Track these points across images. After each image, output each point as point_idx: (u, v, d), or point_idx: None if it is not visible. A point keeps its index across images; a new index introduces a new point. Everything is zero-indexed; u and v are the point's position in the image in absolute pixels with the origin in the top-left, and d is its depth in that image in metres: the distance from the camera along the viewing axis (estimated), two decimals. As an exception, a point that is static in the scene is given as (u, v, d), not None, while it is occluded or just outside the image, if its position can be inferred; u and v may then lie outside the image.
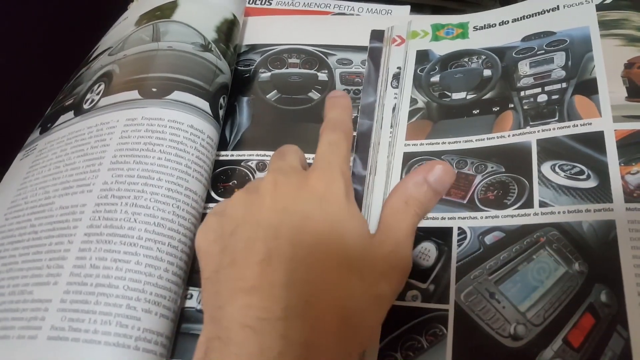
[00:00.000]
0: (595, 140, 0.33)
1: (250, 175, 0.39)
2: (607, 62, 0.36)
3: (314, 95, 0.43)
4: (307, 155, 0.39)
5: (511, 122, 0.36)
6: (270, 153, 0.40)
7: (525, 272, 0.30)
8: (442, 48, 0.42)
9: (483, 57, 0.41)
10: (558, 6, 0.40)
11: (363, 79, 0.43)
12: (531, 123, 0.35)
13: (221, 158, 0.40)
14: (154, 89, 0.37)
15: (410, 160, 0.37)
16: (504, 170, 0.34)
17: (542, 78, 0.37)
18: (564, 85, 0.36)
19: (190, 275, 0.34)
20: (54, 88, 0.45)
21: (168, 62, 0.38)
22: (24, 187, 0.36)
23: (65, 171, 0.35)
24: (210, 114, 0.37)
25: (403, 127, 0.39)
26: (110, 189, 0.33)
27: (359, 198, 0.37)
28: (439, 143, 0.37)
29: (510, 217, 0.32)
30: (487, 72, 0.40)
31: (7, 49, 0.46)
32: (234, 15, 0.43)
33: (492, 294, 0.30)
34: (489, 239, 0.32)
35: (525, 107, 0.36)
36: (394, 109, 0.40)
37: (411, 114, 0.39)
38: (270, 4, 0.50)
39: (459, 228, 0.33)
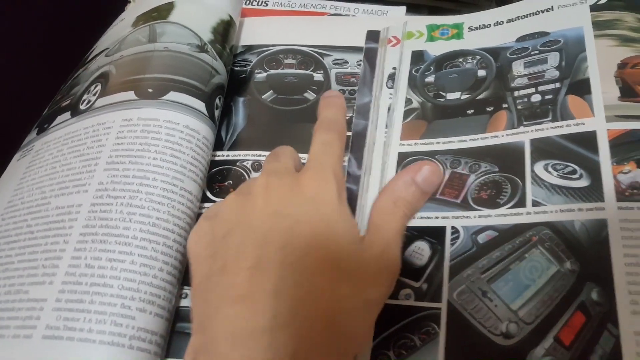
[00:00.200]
0: (588, 139, 0.33)
1: (246, 175, 0.39)
2: (600, 62, 0.36)
3: (310, 95, 0.43)
4: (302, 155, 0.40)
5: (505, 122, 0.36)
6: (266, 153, 0.40)
7: (517, 271, 0.30)
8: (437, 48, 0.43)
9: (478, 57, 0.41)
10: (552, 7, 0.40)
11: (358, 80, 0.43)
12: (525, 123, 0.35)
13: (217, 158, 0.40)
14: (150, 90, 0.37)
15: (405, 160, 0.37)
16: (497, 169, 0.34)
17: (536, 78, 0.37)
18: (558, 85, 0.36)
19: (185, 274, 0.34)
20: (52, 88, 0.45)
21: (164, 62, 0.39)
22: (20, 187, 0.36)
23: (62, 171, 0.35)
24: (206, 114, 0.38)
25: (398, 127, 0.39)
26: (105, 189, 0.33)
27: (353, 198, 0.37)
28: (433, 143, 0.37)
29: (503, 216, 0.32)
30: (481, 73, 0.40)
31: (6, 49, 0.46)
32: (230, 16, 0.43)
33: (485, 293, 0.30)
34: (482, 238, 0.32)
35: (519, 107, 0.36)
36: (389, 109, 0.40)
37: (406, 114, 0.40)
38: (267, 4, 0.50)
39: (453, 227, 0.33)
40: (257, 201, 0.27)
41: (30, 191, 0.35)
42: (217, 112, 0.39)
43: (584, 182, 0.31)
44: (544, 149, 0.34)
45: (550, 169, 0.33)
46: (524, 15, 0.41)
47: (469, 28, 0.43)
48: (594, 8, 0.39)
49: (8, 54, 0.46)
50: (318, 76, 0.44)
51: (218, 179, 0.39)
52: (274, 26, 0.48)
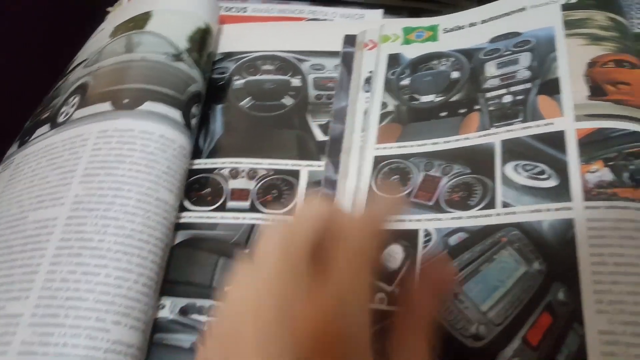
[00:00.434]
0: (557, 139, 0.33)
1: (224, 183, 0.39)
2: (570, 61, 0.36)
3: (287, 101, 0.43)
4: (279, 161, 0.40)
5: (477, 123, 0.36)
6: (244, 160, 0.40)
7: (487, 272, 0.30)
8: (413, 51, 0.42)
9: (452, 59, 0.41)
10: (525, 7, 0.40)
11: (336, 84, 0.43)
12: (496, 124, 0.35)
13: (195, 166, 0.40)
14: (126, 100, 0.37)
15: (380, 164, 0.37)
16: (469, 171, 0.34)
17: (508, 79, 0.37)
18: (529, 85, 0.36)
19: (163, 285, 0.34)
20: (35, 101, 0.45)
21: (140, 73, 0.39)
22: (0, 201, 0.37)
23: (40, 185, 0.35)
24: (182, 123, 0.38)
25: (374, 130, 0.39)
26: (81, 201, 0.33)
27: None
28: (407, 146, 0.37)
29: (474, 218, 0.32)
30: (455, 74, 0.40)
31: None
32: (207, 24, 0.43)
33: (456, 294, 0.30)
34: (453, 240, 0.32)
35: (491, 108, 0.36)
36: (365, 113, 0.40)
37: (382, 117, 0.40)
38: (246, 11, 0.50)
39: (425, 230, 0.33)
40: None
41: (9, 205, 0.36)
42: (194, 121, 0.39)
43: (552, 182, 0.31)
44: (514, 150, 0.34)
45: (519, 169, 0.33)
46: (497, 16, 0.41)
47: (444, 30, 0.43)
48: (565, 7, 0.39)
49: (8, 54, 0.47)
50: (296, 81, 0.44)
51: (196, 188, 0.39)
52: (252, 33, 0.48)
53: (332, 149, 0.40)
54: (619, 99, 0.33)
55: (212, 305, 0.34)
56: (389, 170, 0.37)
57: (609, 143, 0.31)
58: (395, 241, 0.33)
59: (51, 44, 0.50)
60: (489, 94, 0.37)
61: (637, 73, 0.35)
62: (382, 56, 0.43)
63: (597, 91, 0.34)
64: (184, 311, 0.34)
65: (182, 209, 0.38)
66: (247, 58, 0.46)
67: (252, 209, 0.38)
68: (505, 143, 0.34)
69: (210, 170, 0.40)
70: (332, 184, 0.38)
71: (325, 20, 0.49)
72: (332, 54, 0.45)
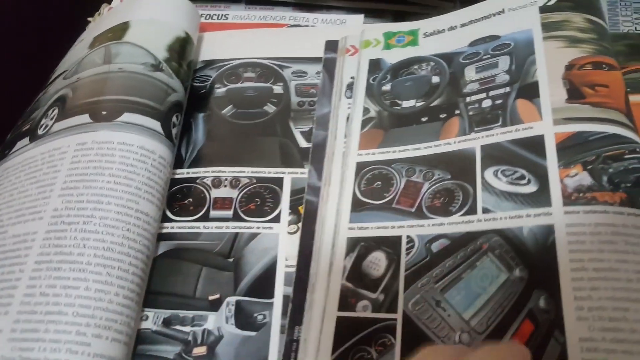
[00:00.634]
0: (536, 144, 0.32)
1: (206, 192, 0.38)
2: (548, 64, 0.35)
3: (269, 108, 0.43)
4: (262, 169, 0.39)
5: (457, 128, 0.36)
6: (226, 169, 0.40)
7: (469, 280, 0.30)
8: (394, 56, 0.42)
9: (432, 63, 0.40)
10: (503, 9, 0.40)
11: (318, 91, 0.42)
12: (475, 129, 0.35)
13: (177, 176, 0.39)
14: (104, 112, 0.36)
15: (362, 170, 0.37)
16: (450, 177, 0.34)
17: (487, 83, 0.37)
18: (508, 89, 0.36)
19: (146, 296, 0.33)
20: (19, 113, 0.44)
21: (118, 84, 0.38)
22: (-19, 216, 0.36)
23: (19, 199, 0.35)
24: (162, 133, 0.37)
25: (356, 136, 0.39)
26: (60, 215, 0.32)
27: (314, 210, 0.36)
28: (389, 152, 0.37)
29: (455, 224, 0.32)
30: (435, 79, 0.39)
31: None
32: (187, 33, 0.43)
33: (438, 302, 0.30)
34: (435, 247, 0.32)
35: (471, 113, 0.36)
36: (347, 119, 0.40)
37: (364, 123, 0.39)
38: (227, 18, 0.50)
39: (408, 236, 0.33)
40: None
41: (-11, 219, 0.35)
42: (174, 130, 0.39)
43: (532, 188, 0.31)
44: (494, 155, 0.33)
45: (499, 175, 0.32)
46: (476, 19, 0.41)
47: (424, 34, 0.42)
48: (543, 10, 0.38)
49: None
50: (278, 88, 0.44)
51: (178, 198, 0.38)
52: (233, 40, 0.47)
53: (315, 156, 0.39)
54: (597, 102, 0.33)
55: (195, 316, 0.33)
56: (371, 176, 0.36)
57: (588, 146, 0.31)
58: (379, 248, 0.33)
59: (33, 54, 0.49)
60: (468, 99, 0.37)
61: (615, 75, 0.35)
62: (364, 62, 0.42)
63: (575, 94, 0.33)
64: (167, 322, 0.33)
65: (165, 219, 0.37)
66: (228, 66, 0.45)
67: (235, 217, 0.37)
68: (485, 148, 0.34)
69: (193, 180, 0.39)
70: (315, 190, 0.37)
71: (306, 26, 0.48)
72: (314, 60, 0.45)
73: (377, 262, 0.33)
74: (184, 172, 0.39)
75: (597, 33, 0.37)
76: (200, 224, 0.37)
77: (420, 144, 0.36)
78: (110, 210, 0.33)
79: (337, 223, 0.35)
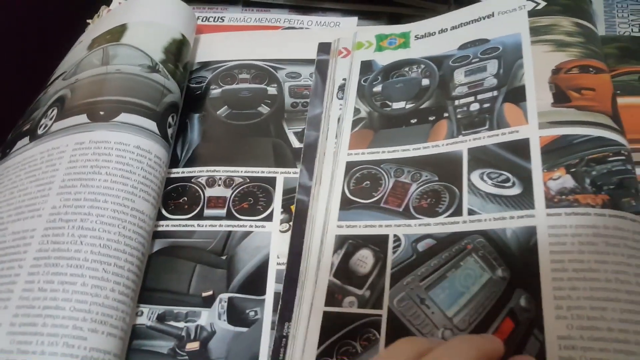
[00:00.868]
0: (521, 147, 0.32)
1: (201, 191, 0.39)
2: (536, 68, 0.35)
3: (264, 109, 0.43)
4: (256, 169, 0.40)
5: (445, 131, 0.36)
6: (221, 168, 0.40)
7: (453, 279, 0.30)
8: (385, 58, 0.42)
9: (422, 66, 0.40)
10: (493, 13, 0.40)
11: (310, 92, 0.43)
12: (463, 132, 0.35)
13: (172, 175, 0.39)
14: (102, 112, 0.37)
15: (352, 169, 0.37)
16: (437, 179, 0.34)
17: (475, 87, 0.37)
18: (495, 93, 0.36)
19: (141, 292, 0.34)
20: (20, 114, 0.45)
21: (116, 85, 0.38)
22: (-18, 213, 0.36)
23: (19, 197, 0.35)
24: (158, 133, 0.37)
25: (347, 136, 0.39)
26: (58, 212, 0.33)
27: (304, 209, 0.37)
28: (379, 152, 0.37)
29: (442, 225, 0.32)
30: (425, 82, 0.39)
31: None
32: (183, 35, 0.43)
33: (423, 300, 0.30)
34: (421, 246, 0.32)
35: (459, 116, 0.36)
36: (339, 119, 0.40)
37: (354, 123, 0.39)
38: (223, 20, 0.50)
39: (395, 235, 0.33)
40: None
41: (-11, 217, 0.35)
42: (170, 131, 0.39)
43: (516, 190, 0.31)
44: (480, 158, 0.33)
45: (485, 177, 0.32)
46: (466, 22, 0.41)
47: (415, 36, 0.43)
48: (532, 14, 0.39)
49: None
50: (272, 90, 0.44)
51: (173, 197, 0.38)
52: (229, 42, 0.47)
53: (307, 156, 0.39)
54: (582, 105, 0.33)
55: (188, 312, 0.34)
56: (360, 176, 0.37)
57: (572, 149, 0.31)
58: (366, 246, 0.33)
59: (34, 56, 0.49)
60: (457, 102, 0.37)
61: (603, 78, 0.35)
62: (355, 63, 0.43)
63: (560, 98, 0.34)
64: (161, 318, 0.34)
65: (160, 217, 0.37)
66: (223, 67, 0.46)
67: (229, 216, 0.37)
68: (472, 151, 0.34)
69: (188, 179, 0.39)
70: (306, 190, 0.38)
71: (301, 28, 0.49)
72: (307, 61, 0.45)
73: (364, 259, 0.33)
74: (179, 172, 0.40)
75: (585, 36, 0.37)
76: (195, 222, 0.37)
77: (409, 145, 0.36)
78: (107, 208, 0.33)
79: (326, 221, 0.35)
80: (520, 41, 0.37)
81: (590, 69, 0.35)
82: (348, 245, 0.33)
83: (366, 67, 0.42)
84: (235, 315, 0.33)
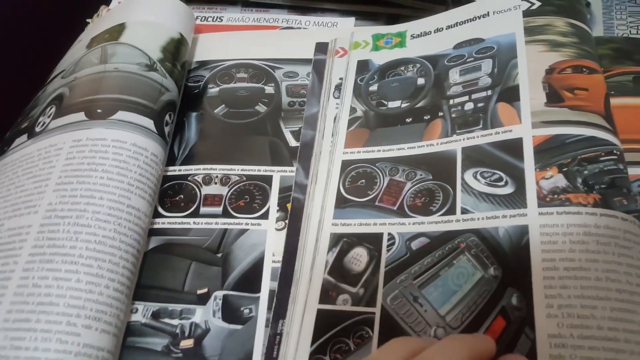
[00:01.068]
0: (515, 146, 0.32)
1: (197, 189, 0.38)
2: (530, 68, 0.35)
3: (261, 108, 0.43)
4: (252, 167, 0.40)
5: (440, 130, 0.36)
6: (217, 166, 0.40)
7: (446, 277, 0.30)
8: (381, 57, 0.42)
9: (418, 65, 0.40)
10: (488, 12, 0.40)
11: (307, 91, 0.43)
12: (457, 131, 0.35)
13: (169, 173, 0.39)
14: (99, 110, 0.37)
15: (347, 168, 0.37)
16: (431, 177, 0.34)
17: (470, 86, 0.37)
18: (489, 92, 0.36)
19: (136, 289, 0.34)
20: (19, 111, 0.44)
21: (113, 83, 0.38)
22: (-20, 210, 0.36)
23: (15, 193, 0.35)
24: (155, 131, 0.37)
25: (342, 135, 0.39)
26: (54, 209, 0.33)
27: (300, 207, 0.37)
28: (374, 151, 0.37)
29: (435, 224, 0.32)
30: (420, 81, 0.39)
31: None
32: (182, 34, 0.43)
33: (416, 298, 0.30)
34: (415, 245, 0.32)
35: (453, 115, 0.36)
36: (335, 118, 0.40)
37: (350, 122, 0.39)
38: (222, 20, 0.50)
39: (389, 234, 0.33)
40: None
41: (-13, 213, 0.35)
42: (167, 129, 0.39)
43: (509, 189, 0.31)
44: (474, 157, 0.33)
45: (478, 176, 0.32)
46: (462, 22, 0.41)
47: (411, 36, 0.42)
48: (526, 14, 0.38)
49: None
50: (269, 89, 0.44)
51: (170, 194, 0.38)
52: (227, 41, 0.47)
53: (303, 155, 0.39)
54: (576, 105, 0.33)
55: (183, 310, 0.34)
56: (356, 174, 0.36)
57: (564, 149, 0.31)
58: (360, 244, 0.33)
59: (34, 54, 0.49)
60: (452, 101, 0.37)
61: (596, 78, 0.35)
62: (352, 63, 0.43)
63: (554, 97, 0.33)
64: (156, 315, 0.34)
65: (156, 214, 0.37)
66: (221, 66, 0.45)
67: (225, 214, 0.37)
68: (466, 150, 0.34)
69: (184, 177, 0.39)
70: (302, 188, 0.38)
71: (299, 28, 0.49)
72: (305, 61, 0.45)
73: (358, 257, 0.33)
74: (176, 169, 0.40)
75: (579, 37, 0.37)
76: (191, 220, 0.37)
77: (404, 144, 0.36)
78: (103, 205, 0.33)
79: (321, 219, 0.35)
80: (515, 41, 0.37)
81: (584, 69, 0.35)
82: (343, 243, 0.33)
83: (363, 66, 0.42)
84: (230, 312, 0.33)
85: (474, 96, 0.36)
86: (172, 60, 0.41)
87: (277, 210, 0.37)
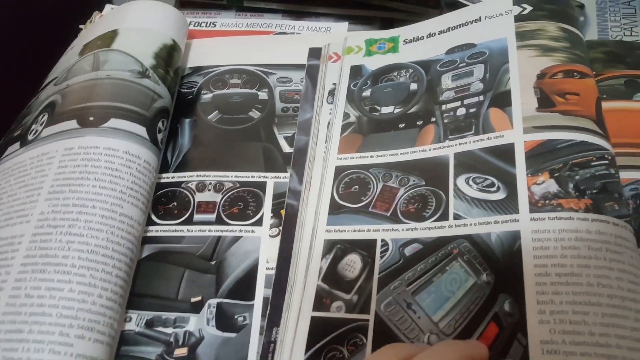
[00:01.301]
0: (506, 152, 0.32)
1: (190, 196, 0.38)
2: (521, 73, 0.35)
3: (254, 114, 0.43)
4: (246, 174, 0.40)
5: (432, 135, 0.36)
6: (211, 173, 0.40)
7: (439, 283, 0.30)
8: (374, 63, 0.42)
9: (410, 70, 0.40)
10: (480, 17, 0.40)
11: (301, 97, 0.43)
12: (450, 137, 0.35)
13: (162, 180, 0.39)
14: (91, 118, 0.37)
15: (341, 174, 0.37)
16: (424, 183, 0.34)
17: (462, 91, 0.37)
18: (481, 98, 0.36)
19: (129, 298, 0.34)
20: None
21: (106, 90, 0.38)
22: (-28, 219, 0.36)
23: (7, 202, 0.35)
24: (148, 138, 0.37)
25: (336, 141, 0.39)
26: (46, 218, 0.33)
27: (294, 214, 0.37)
28: (367, 157, 0.37)
29: (428, 230, 0.32)
30: (413, 86, 0.39)
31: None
32: (174, 41, 0.43)
33: (409, 305, 0.30)
34: (408, 251, 0.32)
35: (446, 120, 0.36)
36: (328, 124, 0.40)
37: (343, 128, 0.39)
38: (215, 25, 0.50)
39: (382, 240, 0.33)
40: None
41: (-20, 223, 0.35)
42: (160, 136, 0.39)
43: (501, 195, 0.31)
44: (466, 163, 0.33)
45: (471, 182, 0.32)
46: (454, 27, 0.41)
47: (404, 41, 0.43)
48: (518, 18, 0.38)
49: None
50: (263, 95, 0.44)
51: (163, 202, 0.38)
52: (220, 47, 0.47)
53: (297, 161, 0.39)
54: (567, 110, 0.33)
55: (177, 318, 0.34)
56: (349, 180, 0.36)
57: (556, 154, 0.31)
58: (354, 251, 0.33)
59: (27, 61, 0.49)
60: (444, 107, 0.37)
61: (587, 83, 0.35)
62: (345, 68, 0.43)
63: (545, 102, 0.34)
64: (149, 323, 0.34)
65: (149, 222, 0.37)
66: (215, 72, 0.45)
67: (218, 221, 0.37)
68: (458, 156, 0.34)
69: (178, 184, 0.39)
70: (296, 194, 0.38)
71: (292, 33, 0.49)
72: (298, 66, 0.45)
73: (352, 264, 0.33)
74: (169, 177, 0.40)
75: (571, 41, 0.37)
76: (184, 227, 0.37)
77: (397, 150, 0.36)
78: (95, 214, 0.33)
79: (315, 225, 0.35)
80: (506, 46, 0.37)
81: (575, 74, 0.35)
82: (336, 249, 0.33)
83: (356, 71, 0.42)
84: (224, 320, 0.33)
85: (466, 101, 0.36)
86: (164, 66, 0.41)
87: (271, 217, 0.37)
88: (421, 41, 0.42)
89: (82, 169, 0.34)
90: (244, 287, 0.34)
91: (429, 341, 0.28)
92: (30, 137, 0.38)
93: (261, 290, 0.34)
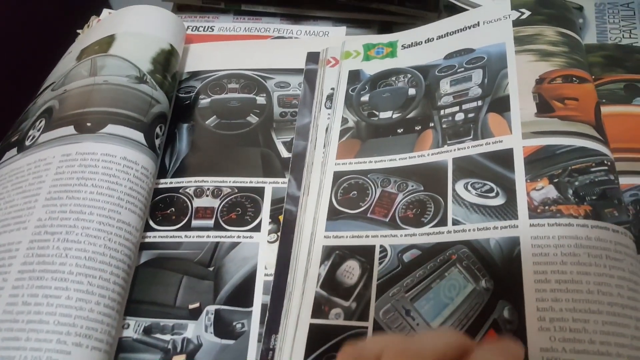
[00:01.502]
0: (505, 157, 0.32)
1: (188, 202, 0.38)
2: (520, 78, 0.35)
3: (252, 119, 0.43)
4: (244, 179, 0.40)
5: (431, 141, 0.36)
6: (209, 178, 0.40)
7: (438, 289, 0.30)
8: (372, 67, 0.42)
9: (409, 75, 0.40)
10: (478, 22, 0.40)
11: (299, 101, 0.43)
12: (448, 142, 0.35)
13: (160, 186, 0.39)
14: (89, 124, 0.36)
15: (339, 179, 0.37)
16: (422, 189, 0.34)
17: (460, 96, 0.37)
18: (480, 103, 0.36)
19: (127, 304, 0.34)
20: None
21: (103, 96, 0.38)
22: (-31, 225, 0.36)
23: (5, 209, 0.35)
24: (145, 144, 0.37)
25: (334, 146, 0.39)
26: (44, 225, 0.33)
27: (292, 219, 0.36)
28: (366, 162, 0.37)
29: (427, 235, 0.32)
30: (411, 91, 0.39)
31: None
32: (172, 45, 0.43)
33: (408, 311, 0.30)
34: (407, 257, 0.32)
35: (444, 125, 0.36)
36: (327, 129, 0.40)
37: (342, 133, 0.39)
38: (213, 30, 0.50)
39: (381, 246, 0.33)
40: None
41: (-24, 230, 0.35)
42: (158, 141, 0.39)
43: (500, 200, 0.31)
44: (464, 168, 0.33)
45: (469, 187, 0.32)
46: (452, 32, 0.41)
47: (402, 46, 0.42)
48: (516, 23, 0.38)
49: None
50: (261, 99, 0.44)
51: (161, 207, 0.38)
52: (218, 52, 0.47)
53: (295, 166, 0.39)
54: (566, 115, 0.33)
55: (175, 325, 0.34)
56: (348, 186, 0.36)
57: (555, 160, 0.31)
58: (353, 257, 0.33)
59: (25, 66, 0.49)
60: (442, 112, 0.37)
61: (586, 88, 0.35)
62: (343, 73, 0.43)
63: (544, 108, 0.33)
64: (147, 330, 0.33)
65: (147, 228, 0.37)
66: (212, 77, 0.45)
67: (217, 227, 0.37)
68: (457, 161, 0.34)
69: (176, 190, 0.39)
70: (294, 200, 0.37)
71: (290, 37, 0.49)
72: (296, 71, 0.45)
73: (350, 270, 0.33)
74: (167, 182, 0.39)
75: (569, 46, 0.37)
76: (182, 233, 0.37)
77: (395, 155, 0.36)
78: (93, 221, 0.33)
79: (313, 231, 0.35)
80: (505, 51, 0.37)
81: (574, 79, 0.35)
82: (335, 256, 0.33)
83: (354, 76, 0.42)
84: (222, 327, 0.33)
85: (464, 106, 0.36)
86: (162, 71, 0.41)
87: (269, 223, 0.37)
88: (419, 46, 0.42)
89: (79, 175, 0.34)
90: (243, 293, 0.34)
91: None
92: (27, 143, 0.38)
93: (259, 297, 0.34)
